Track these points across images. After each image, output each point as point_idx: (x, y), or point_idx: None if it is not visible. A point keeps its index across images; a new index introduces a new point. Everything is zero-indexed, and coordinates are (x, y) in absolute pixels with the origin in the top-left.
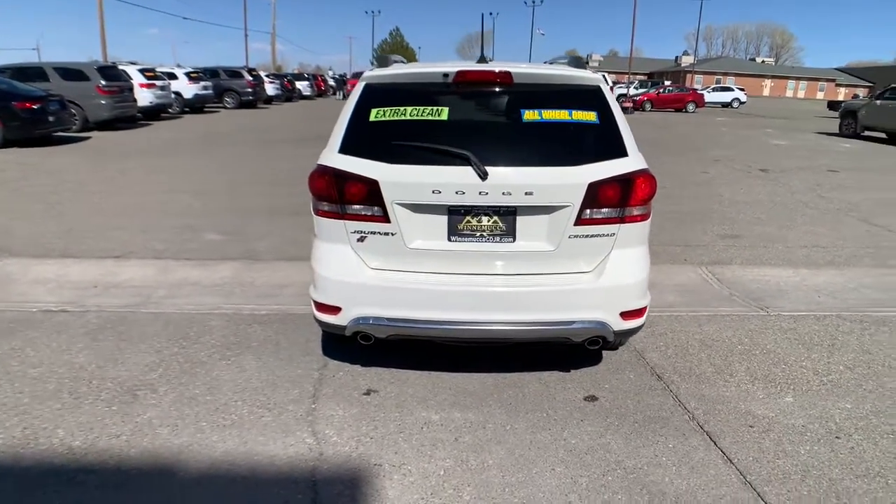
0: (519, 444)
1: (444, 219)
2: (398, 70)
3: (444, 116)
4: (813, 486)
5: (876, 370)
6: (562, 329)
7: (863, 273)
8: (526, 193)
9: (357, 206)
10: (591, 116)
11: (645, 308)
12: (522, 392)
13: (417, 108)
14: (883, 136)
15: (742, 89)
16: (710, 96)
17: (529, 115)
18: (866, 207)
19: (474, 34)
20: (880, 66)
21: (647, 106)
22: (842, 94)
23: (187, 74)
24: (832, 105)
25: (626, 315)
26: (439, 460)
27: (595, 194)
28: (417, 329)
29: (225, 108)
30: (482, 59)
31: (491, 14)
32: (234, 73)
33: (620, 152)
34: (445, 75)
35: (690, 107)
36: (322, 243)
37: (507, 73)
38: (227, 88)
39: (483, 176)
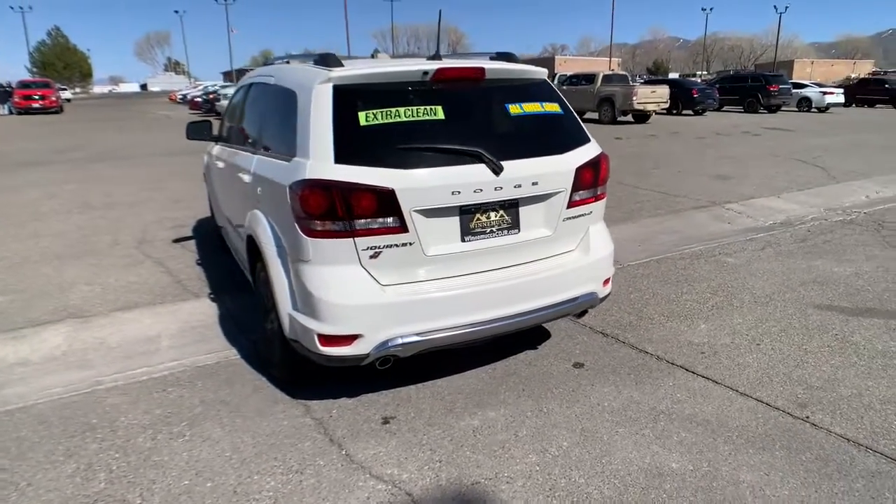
0: (568, 422)
1: (455, 220)
2: (366, 70)
3: (441, 115)
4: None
5: None
6: (568, 307)
7: None
8: (532, 184)
9: (370, 220)
10: (556, 108)
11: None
12: (521, 377)
13: (412, 108)
14: None
15: None
16: None
17: (514, 108)
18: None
19: (153, 34)
20: (527, 58)
21: None
22: None
23: None
24: None
25: (605, 282)
26: (523, 458)
27: (580, 178)
28: (447, 339)
29: None
30: (436, 56)
31: (177, 12)
32: None
33: (586, 138)
34: (425, 73)
35: None
36: (321, 268)
37: (482, 69)
38: None
39: (497, 171)
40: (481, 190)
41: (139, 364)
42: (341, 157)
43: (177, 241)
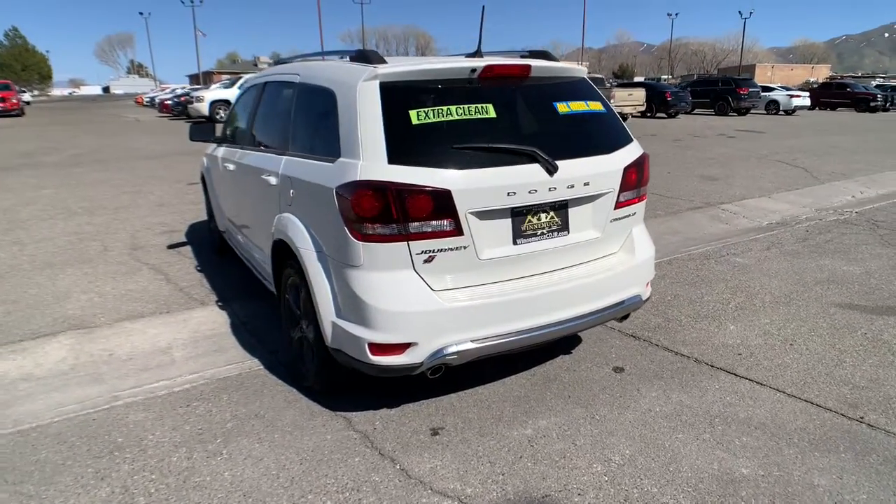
0: (624, 428)
1: (507, 222)
2: (413, 67)
3: (492, 113)
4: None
5: None
6: (617, 310)
7: None
8: (584, 184)
9: (425, 223)
10: (599, 106)
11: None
12: (563, 383)
13: (463, 106)
14: None
15: None
16: None
17: (562, 107)
18: None
19: (115, 36)
20: None
21: None
22: None
23: None
24: None
25: (647, 285)
26: (588, 468)
27: (626, 178)
28: (502, 345)
29: None
30: (477, 54)
31: (142, 14)
32: None
33: (629, 137)
34: (473, 70)
35: None
36: (373, 273)
37: (528, 67)
38: None
39: (551, 171)
40: (536, 191)
41: (156, 377)
42: (394, 157)
43: (171, 246)
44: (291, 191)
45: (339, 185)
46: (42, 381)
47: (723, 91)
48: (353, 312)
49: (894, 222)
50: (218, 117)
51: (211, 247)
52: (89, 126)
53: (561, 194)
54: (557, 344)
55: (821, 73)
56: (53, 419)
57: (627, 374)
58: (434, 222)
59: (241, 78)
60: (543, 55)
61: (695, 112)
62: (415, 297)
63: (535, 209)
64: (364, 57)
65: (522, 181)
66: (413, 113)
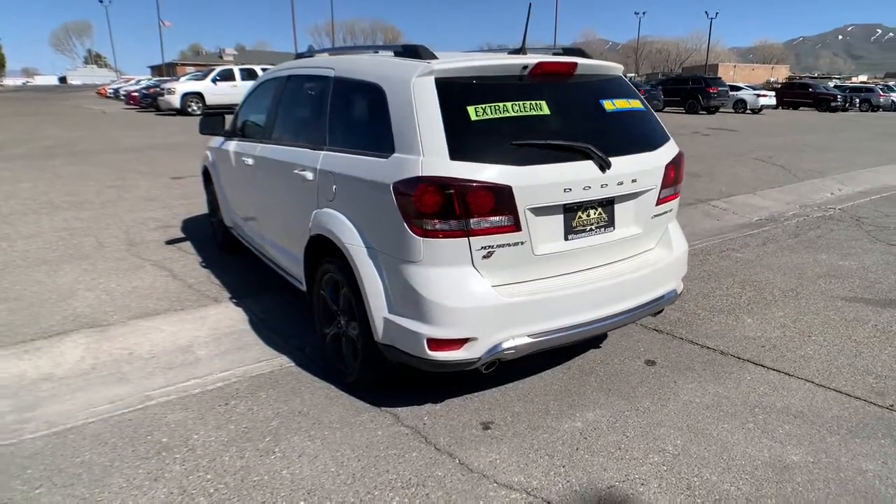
0: (670, 419)
1: (560, 218)
2: (467, 63)
3: (546, 110)
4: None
5: None
6: (656, 305)
7: None
8: (632, 181)
9: (485, 219)
10: (639, 104)
11: None
12: (600, 377)
13: (518, 103)
14: None
15: None
16: None
17: (608, 104)
18: None
19: (71, 24)
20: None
21: None
22: None
23: None
24: None
25: (681, 279)
26: (645, 459)
27: (667, 175)
28: (555, 340)
29: None
30: (521, 50)
31: (101, 1)
32: None
33: (667, 135)
34: (525, 67)
35: None
36: (433, 269)
37: (575, 64)
38: None
39: (603, 168)
40: (590, 187)
41: (185, 375)
42: (455, 153)
43: (170, 242)
44: (334, 186)
45: (398, 181)
46: (64, 382)
47: (693, 90)
48: (411, 308)
49: (877, 219)
50: (190, 110)
51: (213, 242)
52: (57, 118)
53: (610, 191)
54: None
55: (780, 73)
56: (87, 420)
57: (660, 366)
58: (494, 218)
59: (213, 70)
60: (580, 53)
61: (665, 110)
62: (475, 292)
63: (586, 205)
64: (413, 52)
65: (578, 178)
66: (471, 109)
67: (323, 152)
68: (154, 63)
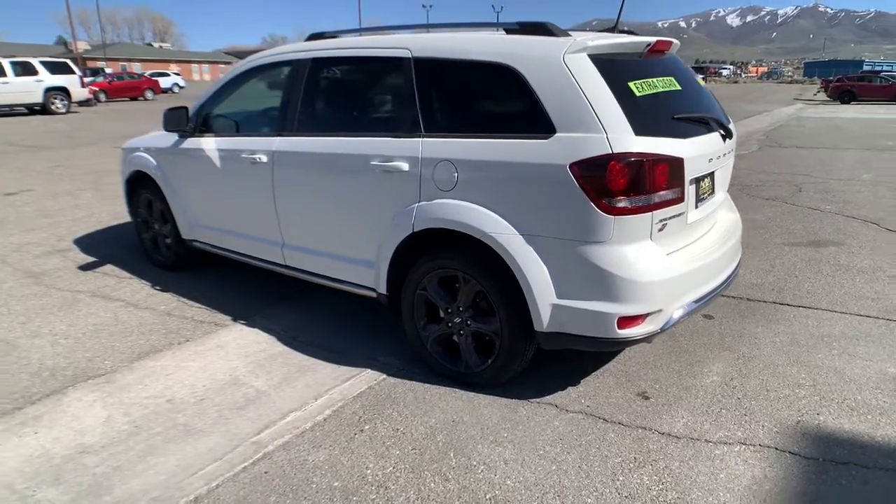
0: (778, 359)
1: (693, 188)
2: (611, 40)
3: (678, 86)
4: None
5: None
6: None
7: None
8: (731, 150)
9: (664, 192)
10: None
11: None
12: (678, 336)
13: (660, 79)
14: None
15: (178, 74)
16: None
17: (700, 80)
18: None
19: None
20: (251, 49)
21: (102, 97)
22: None
23: None
24: None
25: None
26: (795, 393)
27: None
28: (703, 306)
29: None
30: (615, 28)
31: None
32: None
33: None
34: (648, 45)
35: (149, 94)
36: (621, 247)
37: (671, 42)
38: None
39: (725, 138)
40: (719, 157)
41: (272, 413)
42: (639, 129)
43: (84, 268)
44: (455, 174)
45: (579, 161)
46: (112, 451)
47: None
48: (596, 289)
49: None
50: (53, 107)
51: (142, 262)
52: None
53: (722, 160)
54: None
55: None
56: (214, 484)
57: (718, 320)
58: (670, 191)
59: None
60: (629, 32)
61: None
62: (659, 265)
63: (707, 175)
64: (544, 29)
65: (714, 148)
66: (632, 85)
67: (421, 139)
68: None
